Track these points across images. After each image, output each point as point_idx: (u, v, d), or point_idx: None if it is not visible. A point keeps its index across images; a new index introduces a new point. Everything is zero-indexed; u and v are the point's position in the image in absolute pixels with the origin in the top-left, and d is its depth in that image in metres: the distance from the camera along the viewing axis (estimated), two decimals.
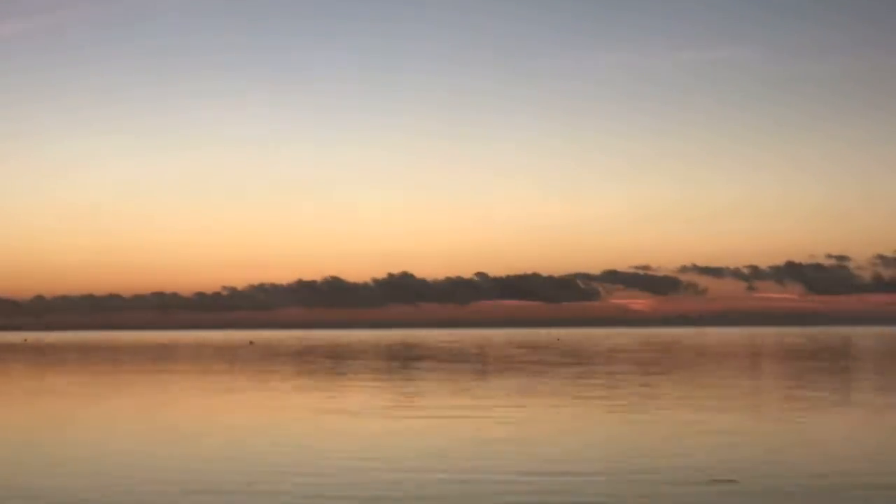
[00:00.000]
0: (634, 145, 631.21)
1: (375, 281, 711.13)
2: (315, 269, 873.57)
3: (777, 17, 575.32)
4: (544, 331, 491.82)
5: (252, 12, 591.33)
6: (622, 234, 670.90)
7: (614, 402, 39.81)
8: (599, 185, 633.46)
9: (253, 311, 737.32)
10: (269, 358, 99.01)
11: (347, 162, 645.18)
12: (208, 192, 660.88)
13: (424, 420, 32.96)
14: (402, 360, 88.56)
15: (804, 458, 23.52)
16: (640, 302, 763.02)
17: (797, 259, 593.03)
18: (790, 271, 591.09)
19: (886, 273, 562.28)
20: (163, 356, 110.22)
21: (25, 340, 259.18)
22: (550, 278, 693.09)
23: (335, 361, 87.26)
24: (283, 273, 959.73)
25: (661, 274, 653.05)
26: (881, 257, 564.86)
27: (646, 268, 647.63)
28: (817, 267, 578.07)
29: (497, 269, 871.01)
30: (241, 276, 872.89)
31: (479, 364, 79.80)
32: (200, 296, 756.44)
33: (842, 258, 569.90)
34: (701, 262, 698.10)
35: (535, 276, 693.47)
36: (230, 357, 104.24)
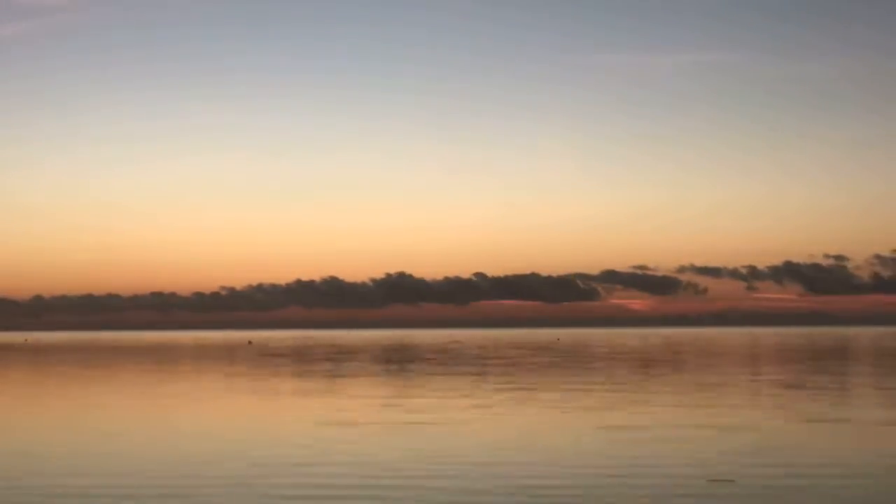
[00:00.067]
0: (632, 146, 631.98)
1: (374, 281, 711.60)
2: (314, 269, 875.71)
3: (772, 21, 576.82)
4: (544, 331, 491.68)
5: (251, 17, 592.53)
6: (621, 235, 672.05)
7: (613, 402, 39.83)
8: (598, 186, 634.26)
9: (252, 311, 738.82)
10: (267, 358, 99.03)
11: (346, 163, 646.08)
12: (207, 192, 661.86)
13: (424, 422, 32.95)
14: (400, 362, 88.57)
15: (802, 458, 23.54)
16: (639, 302, 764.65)
17: (796, 259, 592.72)
18: (789, 271, 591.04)
19: (885, 273, 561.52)
20: (162, 356, 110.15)
21: (26, 340, 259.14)
22: (549, 278, 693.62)
23: (334, 364, 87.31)
24: (282, 273, 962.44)
25: (659, 274, 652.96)
26: (879, 257, 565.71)
27: (645, 268, 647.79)
28: (816, 267, 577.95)
29: (496, 269, 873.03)
30: (240, 276, 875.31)
31: (479, 365, 79.81)
32: (199, 296, 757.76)
33: (840, 258, 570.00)
34: (699, 262, 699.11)
35: (534, 276, 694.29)
36: (229, 357, 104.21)
